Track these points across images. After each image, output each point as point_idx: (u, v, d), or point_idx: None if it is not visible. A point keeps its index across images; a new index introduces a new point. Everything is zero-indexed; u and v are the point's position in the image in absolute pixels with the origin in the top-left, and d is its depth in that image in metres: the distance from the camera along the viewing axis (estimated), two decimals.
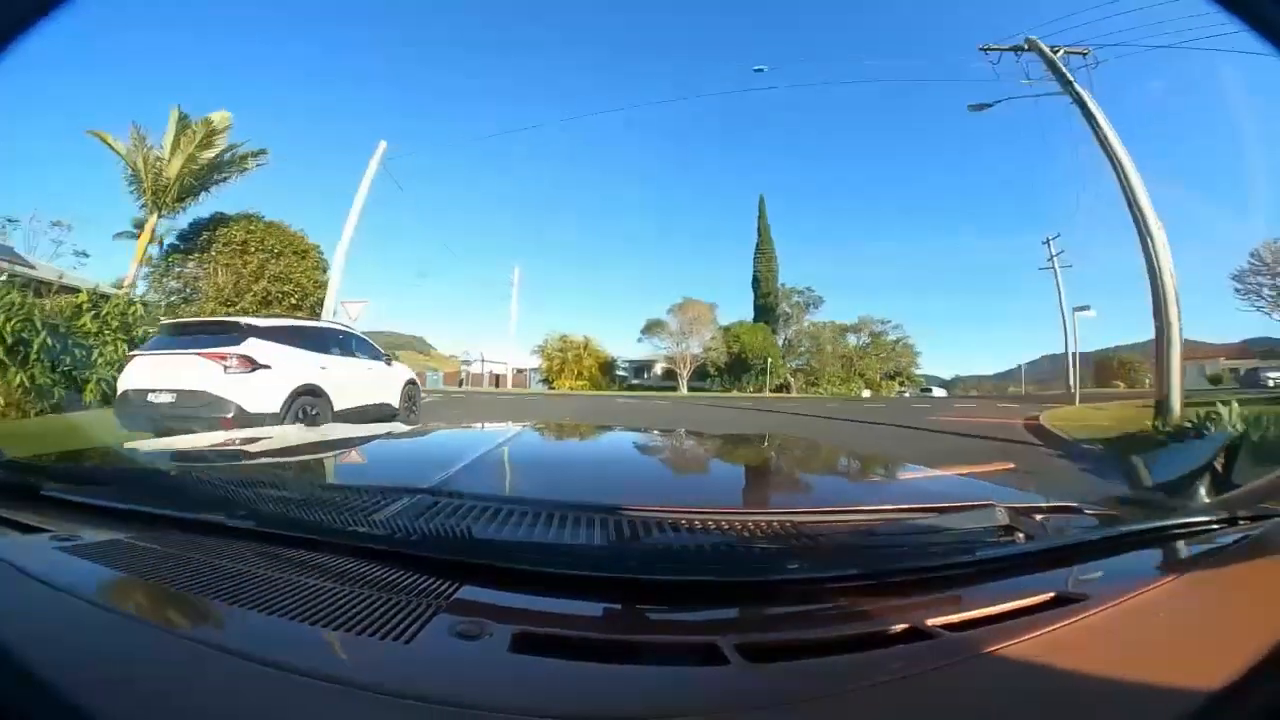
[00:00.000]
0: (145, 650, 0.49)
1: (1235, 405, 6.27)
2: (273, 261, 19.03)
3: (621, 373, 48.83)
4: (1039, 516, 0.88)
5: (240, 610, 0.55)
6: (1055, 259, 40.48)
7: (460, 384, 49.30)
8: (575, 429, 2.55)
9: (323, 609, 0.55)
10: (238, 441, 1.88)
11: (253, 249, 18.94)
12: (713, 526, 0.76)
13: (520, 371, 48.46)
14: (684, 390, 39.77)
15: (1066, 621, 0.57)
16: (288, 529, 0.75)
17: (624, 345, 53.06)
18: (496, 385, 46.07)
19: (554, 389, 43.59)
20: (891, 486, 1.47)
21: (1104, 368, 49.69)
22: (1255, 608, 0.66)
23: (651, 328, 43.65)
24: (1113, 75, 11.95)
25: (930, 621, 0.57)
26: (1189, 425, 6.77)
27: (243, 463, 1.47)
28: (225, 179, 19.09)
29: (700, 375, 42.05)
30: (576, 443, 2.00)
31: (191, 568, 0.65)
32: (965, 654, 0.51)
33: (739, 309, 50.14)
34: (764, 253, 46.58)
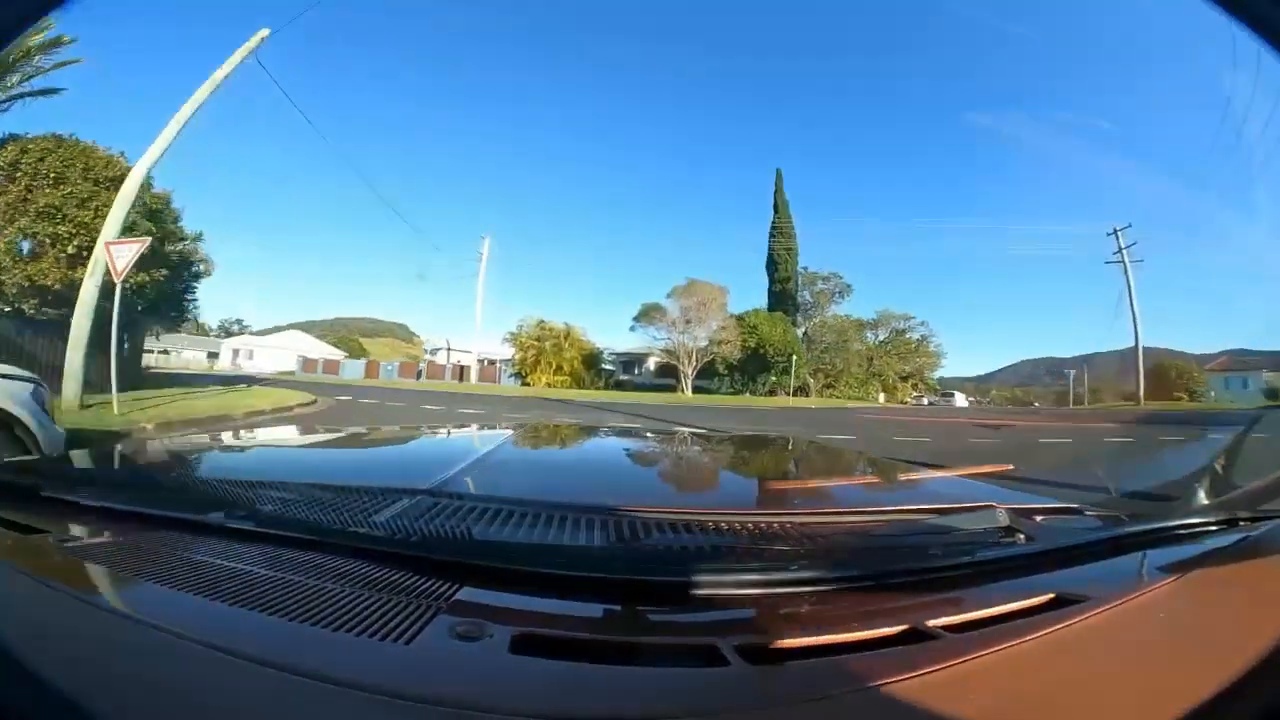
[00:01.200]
0: (145, 650, 0.49)
1: None
2: (46, 190, 11.62)
3: (609, 367, 41.45)
4: (1039, 518, 0.88)
5: (240, 611, 0.55)
6: (1125, 251, 34.43)
7: (419, 375, 41.90)
8: (576, 431, 2.46)
9: (322, 610, 0.55)
10: (238, 442, 1.90)
11: (20, 175, 11.56)
12: (713, 528, 0.76)
13: (491, 363, 41.27)
14: (688, 392, 32.56)
15: (1067, 622, 0.57)
16: (288, 530, 0.74)
17: (614, 336, 46.10)
18: (461, 378, 38.77)
19: (528, 384, 36.38)
20: (892, 488, 1.45)
21: (1159, 375, 43.08)
22: (1255, 609, 0.66)
23: (648, 314, 34.94)
24: None
25: (931, 622, 0.57)
26: None
27: (243, 463, 1.45)
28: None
29: (705, 373, 34.27)
30: (577, 444, 1.97)
31: (192, 568, 0.64)
32: (966, 655, 0.51)
33: (750, 297, 43.03)
34: (781, 231, 39.41)
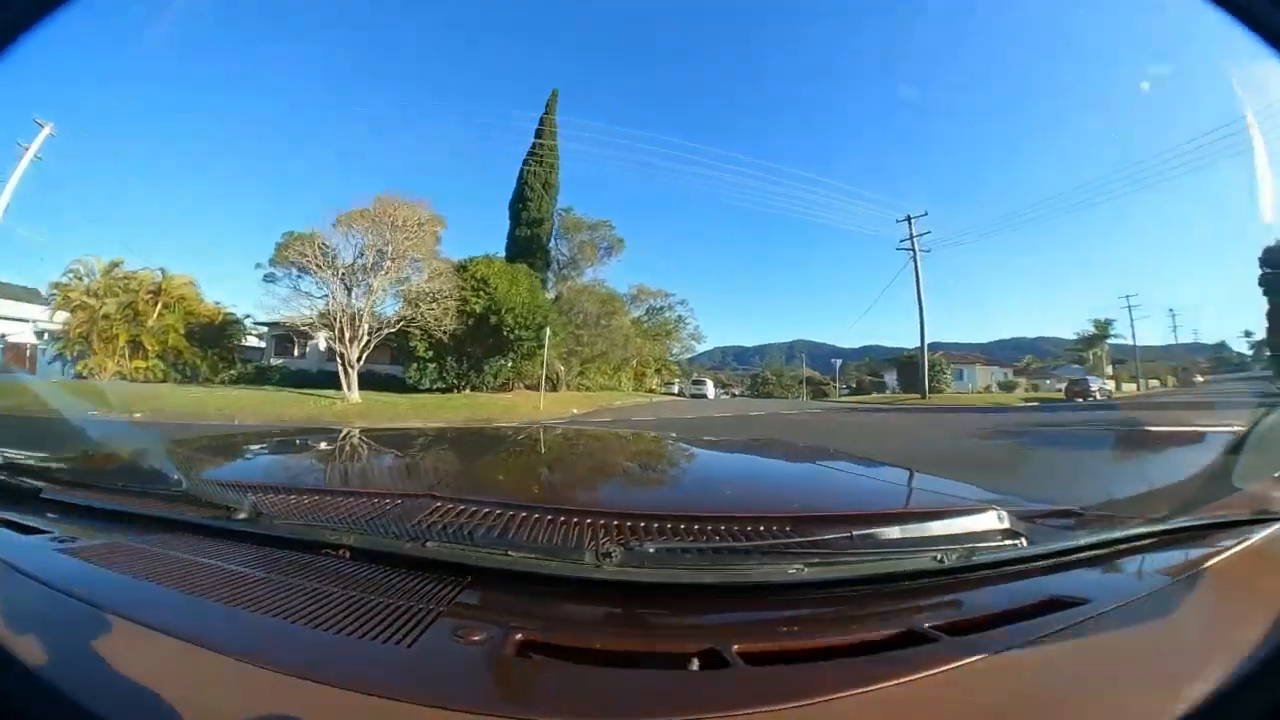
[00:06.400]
0: (145, 652, 0.50)
1: None
2: None
3: (255, 344, 26.59)
4: (1038, 520, 0.88)
5: (240, 612, 0.55)
6: (915, 240, 30.53)
7: None
8: (578, 434, 2.47)
9: (323, 612, 0.55)
10: (238, 444, 1.89)
11: None
12: (713, 530, 0.76)
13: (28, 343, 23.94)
14: (354, 394, 16.52)
15: (1066, 624, 0.58)
16: (289, 532, 0.74)
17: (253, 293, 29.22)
18: None
19: (85, 377, 20.51)
20: (892, 490, 1.45)
21: (912, 369, 43.54)
22: (1254, 610, 0.67)
23: (292, 248, 16.85)
24: None
25: (930, 624, 0.57)
26: None
27: (243, 466, 1.46)
28: None
29: (398, 356, 19.33)
30: (578, 447, 1.97)
31: (191, 570, 0.64)
32: (965, 657, 0.51)
33: (482, 240, 30.73)
34: (541, 159, 28.21)
